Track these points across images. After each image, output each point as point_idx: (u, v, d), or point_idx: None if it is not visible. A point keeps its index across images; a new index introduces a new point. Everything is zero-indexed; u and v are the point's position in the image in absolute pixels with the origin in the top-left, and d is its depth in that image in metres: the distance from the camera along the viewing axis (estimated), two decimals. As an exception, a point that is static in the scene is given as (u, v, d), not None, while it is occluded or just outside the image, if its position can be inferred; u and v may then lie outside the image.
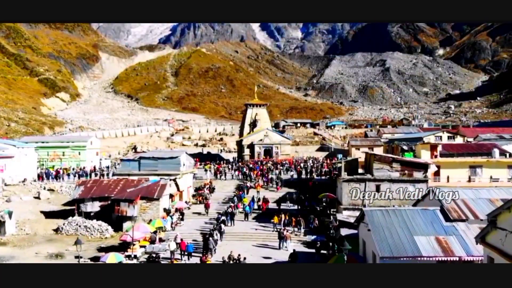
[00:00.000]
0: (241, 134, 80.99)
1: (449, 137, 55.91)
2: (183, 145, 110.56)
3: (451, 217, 19.88)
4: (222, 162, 69.06)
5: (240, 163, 65.90)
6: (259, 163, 64.42)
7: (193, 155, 71.90)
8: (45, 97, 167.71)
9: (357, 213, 30.84)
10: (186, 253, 26.30)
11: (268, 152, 75.38)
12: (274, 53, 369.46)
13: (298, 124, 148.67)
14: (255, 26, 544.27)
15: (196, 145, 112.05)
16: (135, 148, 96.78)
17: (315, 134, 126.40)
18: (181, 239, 27.19)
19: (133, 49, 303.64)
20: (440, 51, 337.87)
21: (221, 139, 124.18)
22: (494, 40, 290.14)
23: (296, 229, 31.17)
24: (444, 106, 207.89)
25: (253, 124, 76.29)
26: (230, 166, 63.03)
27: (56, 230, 33.71)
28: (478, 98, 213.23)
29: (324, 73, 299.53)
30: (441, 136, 55.94)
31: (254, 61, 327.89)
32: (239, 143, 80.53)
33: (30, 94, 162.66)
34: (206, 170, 57.53)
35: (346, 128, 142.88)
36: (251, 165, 61.18)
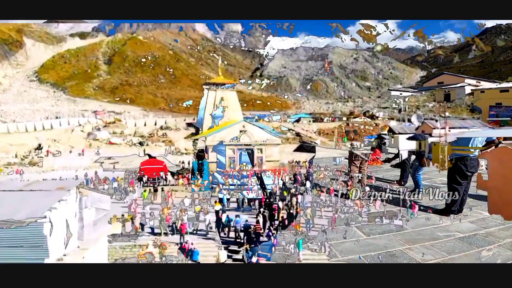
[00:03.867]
0: (196, 130, 56.97)
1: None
2: (111, 143, 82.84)
3: None
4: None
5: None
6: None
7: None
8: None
9: None
10: None
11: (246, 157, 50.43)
12: (215, 44, 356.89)
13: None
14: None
15: (131, 143, 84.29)
16: (39, 148, 70.77)
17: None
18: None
19: (62, 36, 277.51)
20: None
21: (165, 134, 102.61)
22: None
23: None
24: (390, 100, 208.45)
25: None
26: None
27: None
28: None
29: (267, 66, 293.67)
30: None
31: (196, 51, 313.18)
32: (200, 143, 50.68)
33: None
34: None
35: (313, 122, 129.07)
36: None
